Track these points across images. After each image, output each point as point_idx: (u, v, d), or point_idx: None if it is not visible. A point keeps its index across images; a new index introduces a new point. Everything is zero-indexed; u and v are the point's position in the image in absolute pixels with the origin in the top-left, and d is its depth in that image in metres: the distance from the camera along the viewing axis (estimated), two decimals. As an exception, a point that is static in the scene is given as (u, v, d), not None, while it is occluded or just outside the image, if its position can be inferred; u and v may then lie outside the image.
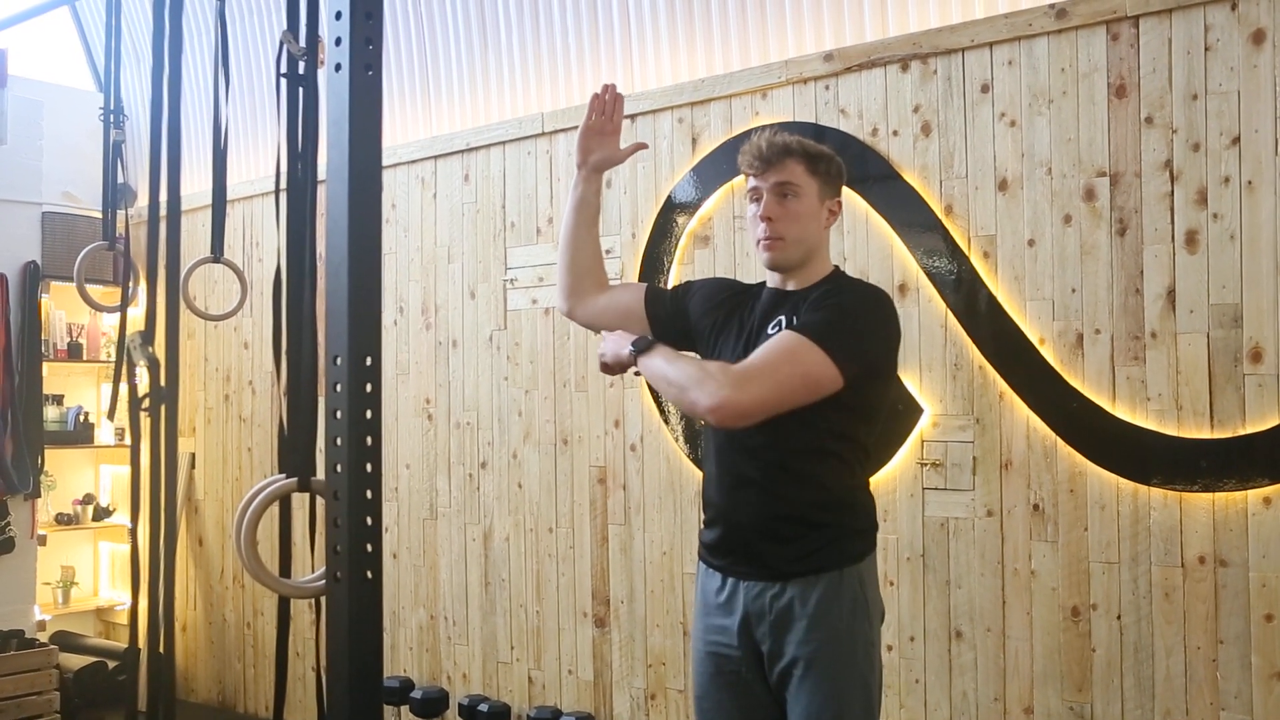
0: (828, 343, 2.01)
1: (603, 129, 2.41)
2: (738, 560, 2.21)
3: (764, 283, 2.33)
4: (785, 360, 2.01)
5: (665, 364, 2.10)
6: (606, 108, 2.41)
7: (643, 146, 2.50)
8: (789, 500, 2.14)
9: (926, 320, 3.17)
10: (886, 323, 2.16)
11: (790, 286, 2.25)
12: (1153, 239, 2.82)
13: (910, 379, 3.19)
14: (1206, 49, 2.75)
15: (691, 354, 2.14)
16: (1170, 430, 2.78)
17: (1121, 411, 2.86)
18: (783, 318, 2.17)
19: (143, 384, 1.54)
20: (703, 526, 2.34)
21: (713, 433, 2.27)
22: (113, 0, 3.04)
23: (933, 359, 3.16)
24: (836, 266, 2.30)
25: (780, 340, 2.04)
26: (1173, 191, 2.79)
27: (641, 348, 2.16)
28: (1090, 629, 2.89)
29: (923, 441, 3.17)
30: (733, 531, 2.22)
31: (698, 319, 2.36)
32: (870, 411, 2.22)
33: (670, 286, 2.43)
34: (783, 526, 2.16)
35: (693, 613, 2.37)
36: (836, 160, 2.28)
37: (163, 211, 1.53)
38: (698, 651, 2.30)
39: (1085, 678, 2.89)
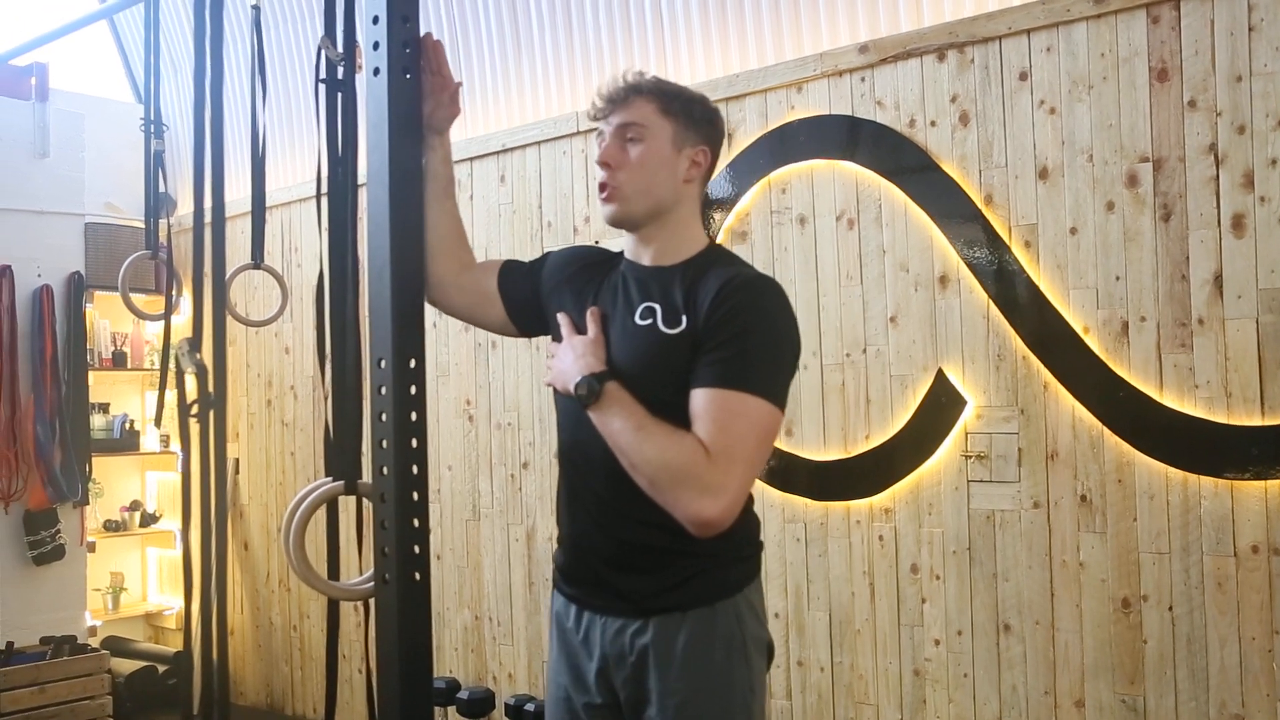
0: (765, 387, 1.71)
1: (429, 88, 1.87)
2: (590, 591, 1.90)
3: (623, 251, 1.98)
4: (744, 432, 1.68)
5: (625, 430, 1.72)
6: (429, 63, 1.86)
7: (458, 85, 1.95)
8: (646, 525, 1.77)
9: (968, 311, 3.14)
10: (793, 325, 1.83)
11: (648, 260, 1.89)
12: (1198, 224, 2.78)
13: (953, 371, 3.16)
14: (1250, 29, 2.71)
15: (647, 416, 1.72)
16: (1220, 418, 2.74)
17: (1169, 400, 2.82)
18: (657, 307, 1.83)
19: (191, 391, 1.55)
20: (556, 545, 2.01)
21: (559, 430, 1.96)
22: (150, 14, 3.08)
23: (975, 350, 3.13)
24: (712, 240, 1.95)
25: (721, 406, 1.69)
26: (1218, 175, 2.75)
27: (586, 396, 1.75)
28: (1141, 620, 2.85)
29: (966, 434, 3.14)
30: (582, 558, 1.91)
31: (545, 297, 2.00)
32: None
33: (530, 260, 2.09)
34: (638, 556, 1.83)
35: (548, 647, 2.07)
36: (703, 103, 1.93)
37: (207, 219, 1.55)
38: (552, 696, 1.98)
39: (1137, 670, 2.86)
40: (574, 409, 1.83)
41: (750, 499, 1.89)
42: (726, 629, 1.82)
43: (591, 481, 1.86)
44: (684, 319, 1.79)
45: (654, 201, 1.86)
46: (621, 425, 1.72)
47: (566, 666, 1.93)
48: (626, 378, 1.78)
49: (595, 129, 1.92)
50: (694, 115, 1.90)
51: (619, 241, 1.98)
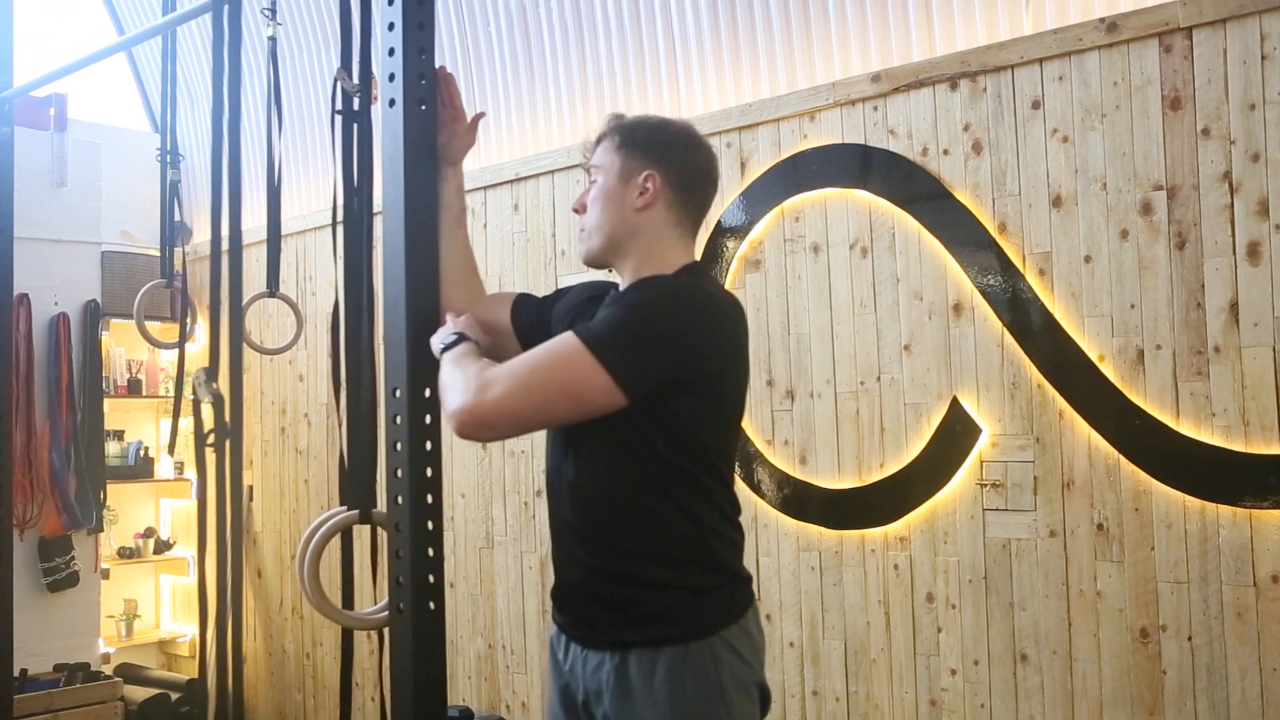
0: (602, 348, 1.66)
1: (441, 119, 1.89)
2: (574, 622, 1.88)
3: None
4: (545, 364, 1.67)
5: (448, 365, 1.68)
6: (440, 95, 1.85)
7: (481, 115, 2.03)
8: (612, 552, 1.77)
9: (983, 339, 3.13)
10: (692, 325, 1.75)
11: (624, 288, 1.93)
12: (1213, 252, 2.77)
13: (968, 399, 3.15)
14: (1263, 58, 2.71)
15: (476, 360, 1.71)
16: (1237, 446, 2.72)
17: (1186, 428, 2.80)
18: None
19: (207, 420, 1.56)
20: None
21: (545, 460, 1.96)
22: (168, 46, 3.12)
23: (990, 378, 3.12)
24: (690, 265, 1.94)
25: (549, 343, 1.72)
26: (1232, 203, 2.75)
27: (446, 345, 1.71)
28: (1160, 651, 2.83)
29: (981, 462, 3.13)
30: (565, 587, 1.89)
31: (554, 327, 1.99)
32: (690, 436, 1.78)
33: (544, 295, 2.12)
34: (607, 586, 1.80)
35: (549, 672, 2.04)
36: (653, 128, 1.94)
37: (225, 245, 1.56)
38: None
39: (1156, 701, 2.83)
40: (557, 439, 1.86)
41: (716, 524, 1.83)
42: (700, 672, 1.75)
43: (563, 507, 1.85)
44: None
45: (606, 235, 1.90)
46: (448, 360, 1.69)
47: (559, 697, 1.92)
48: None
49: None
50: (637, 141, 1.91)
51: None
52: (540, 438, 4.18)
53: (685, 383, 1.75)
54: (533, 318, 2.04)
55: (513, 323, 2.04)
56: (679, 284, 1.84)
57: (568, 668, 1.88)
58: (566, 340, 1.68)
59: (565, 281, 4.09)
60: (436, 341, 1.71)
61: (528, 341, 2.00)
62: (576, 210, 1.96)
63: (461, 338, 1.74)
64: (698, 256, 3.79)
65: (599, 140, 1.96)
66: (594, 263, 1.95)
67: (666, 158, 1.91)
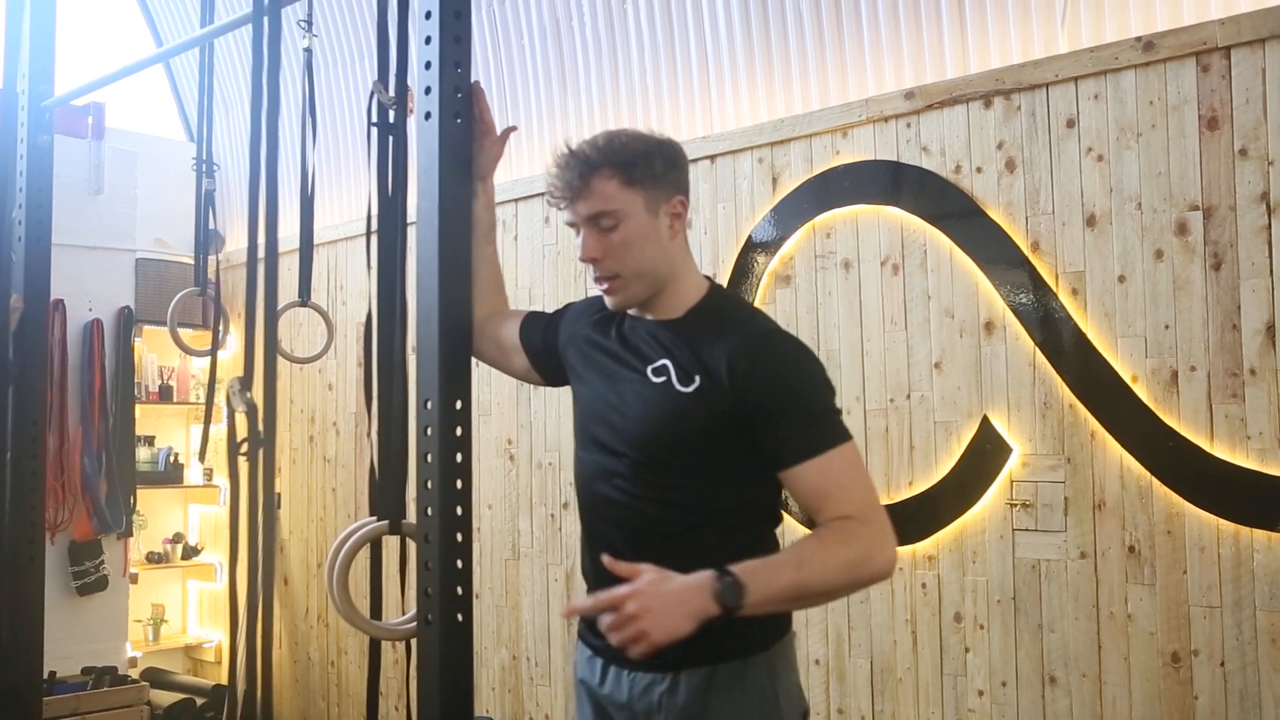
0: (839, 431, 1.75)
1: (473, 133, 1.81)
2: None
3: None
4: (858, 478, 1.74)
5: (794, 587, 1.63)
6: (471, 109, 1.77)
7: (513, 129, 2.03)
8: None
9: (1014, 358, 3.11)
10: (819, 365, 1.85)
11: (652, 315, 1.87)
12: (1250, 273, 2.74)
13: (998, 418, 3.13)
14: (1302, 78, 2.68)
15: (790, 560, 1.66)
16: (1273, 470, 2.69)
17: (1220, 451, 2.77)
18: (669, 365, 1.80)
19: (240, 428, 1.57)
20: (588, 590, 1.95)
21: (577, 482, 1.92)
22: (205, 59, 3.15)
23: (1021, 398, 3.09)
24: (709, 280, 1.93)
25: (832, 473, 1.71)
26: (1270, 224, 2.72)
27: (734, 600, 1.57)
28: (1192, 676, 2.79)
29: (1011, 482, 3.11)
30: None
31: (563, 349, 2.00)
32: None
33: (551, 312, 2.11)
34: None
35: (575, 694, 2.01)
36: (662, 152, 1.85)
37: (260, 254, 1.57)
38: None
39: (1187, 727, 2.79)
40: (591, 461, 1.84)
41: (773, 548, 1.86)
42: (757, 687, 1.77)
43: (613, 539, 1.80)
44: (697, 377, 1.76)
45: (652, 278, 1.83)
46: (785, 587, 1.62)
47: (593, 715, 1.90)
48: (644, 437, 1.77)
49: (568, 221, 1.88)
50: (656, 171, 1.82)
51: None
52: (566, 448, 4.19)
53: None
54: (538, 334, 2.05)
55: (521, 338, 2.05)
56: (791, 338, 1.85)
57: (606, 693, 1.86)
58: (846, 451, 1.74)
59: (595, 294, 4.09)
60: (709, 604, 1.57)
61: (536, 360, 2.04)
62: (592, 260, 1.83)
63: (738, 584, 1.58)
64: (729, 272, 3.79)
65: (589, 175, 1.81)
66: (632, 307, 1.88)
67: (682, 180, 1.87)
